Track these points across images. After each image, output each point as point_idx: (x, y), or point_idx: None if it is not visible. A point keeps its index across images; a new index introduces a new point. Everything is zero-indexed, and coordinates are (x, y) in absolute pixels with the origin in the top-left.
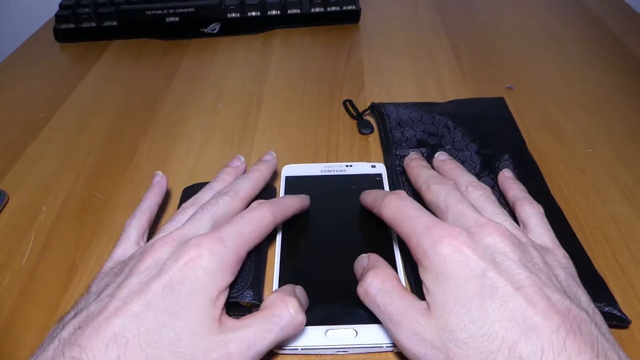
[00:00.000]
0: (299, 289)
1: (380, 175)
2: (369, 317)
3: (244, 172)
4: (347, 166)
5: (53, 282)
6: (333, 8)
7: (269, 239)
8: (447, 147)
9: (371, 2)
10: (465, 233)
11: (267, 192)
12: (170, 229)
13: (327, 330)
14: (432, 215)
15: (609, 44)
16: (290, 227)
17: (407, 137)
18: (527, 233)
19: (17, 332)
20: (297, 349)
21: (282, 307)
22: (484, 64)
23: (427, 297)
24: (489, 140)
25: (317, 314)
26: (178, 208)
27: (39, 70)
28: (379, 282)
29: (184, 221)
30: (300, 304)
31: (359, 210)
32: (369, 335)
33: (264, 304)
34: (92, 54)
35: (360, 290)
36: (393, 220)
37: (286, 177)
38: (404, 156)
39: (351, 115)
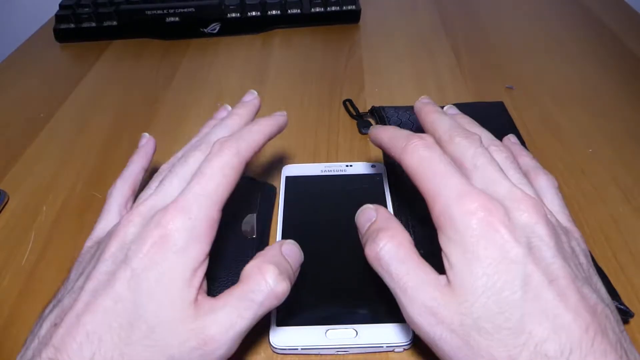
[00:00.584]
0: (287, 247)
1: (380, 175)
2: (369, 317)
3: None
4: (347, 166)
5: (53, 282)
6: (333, 8)
7: (269, 238)
8: None
9: (371, 2)
10: (503, 210)
11: (266, 191)
12: (141, 199)
13: (327, 330)
14: (464, 176)
15: (609, 44)
16: (291, 226)
17: None
18: None
19: (17, 332)
20: (297, 349)
21: (259, 279)
22: (484, 64)
23: (448, 272)
24: None
25: (317, 314)
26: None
27: (39, 70)
28: (393, 247)
29: (154, 188)
30: (283, 270)
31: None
32: (369, 335)
33: (241, 276)
34: (92, 54)
35: (371, 252)
36: (416, 173)
37: (286, 177)
38: None
39: (351, 115)
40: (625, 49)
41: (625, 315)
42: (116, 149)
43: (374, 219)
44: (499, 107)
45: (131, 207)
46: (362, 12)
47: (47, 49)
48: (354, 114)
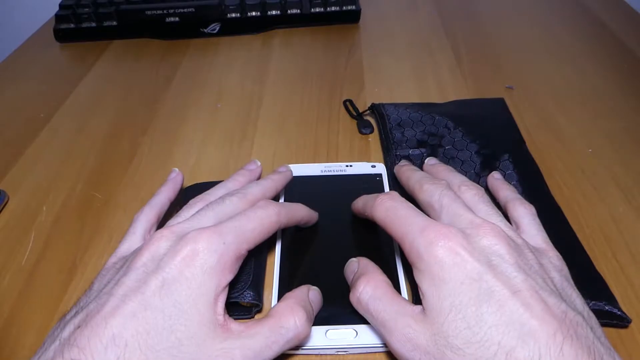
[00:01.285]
0: (313, 293)
1: (380, 175)
2: None
3: (259, 176)
4: (347, 166)
5: (53, 282)
6: (333, 8)
7: (270, 239)
8: (447, 147)
9: (371, 2)
10: (461, 234)
11: None
12: (172, 223)
13: (327, 330)
14: (425, 215)
15: (609, 44)
16: (291, 228)
17: (407, 137)
18: (521, 234)
19: (17, 332)
20: (297, 349)
21: (290, 318)
22: (484, 64)
23: (422, 301)
24: (488, 140)
25: (317, 314)
26: (178, 207)
27: (39, 70)
28: (370, 289)
29: (188, 217)
30: (309, 315)
31: None
32: (369, 335)
33: (272, 311)
34: (92, 54)
35: (353, 298)
36: (385, 221)
37: None
38: (404, 156)
39: (351, 115)
40: (625, 49)
41: (622, 321)
42: (116, 149)
43: (356, 269)
44: (500, 103)
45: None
46: (362, 12)
47: (47, 49)
48: (354, 114)
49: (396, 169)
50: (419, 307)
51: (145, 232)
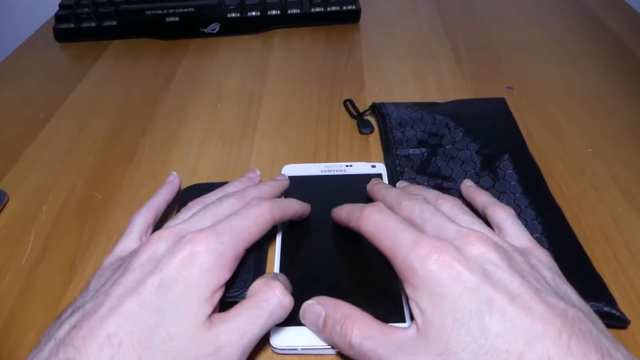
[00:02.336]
0: (281, 276)
1: (380, 175)
2: None
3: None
4: (347, 166)
5: (53, 282)
6: (333, 8)
7: (269, 238)
8: (447, 147)
9: (371, 2)
10: (453, 247)
11: None
12: (170, 225)
13: None
14: (415, 229)
15: (609, 44)
16: (291, 227)
17: (408, 136)
18: (505, 237)
19: (17, 332)
20: (297, 349)
21: (268, 291)
22: (484, 64)
23: (419, 319)
24: (489, 140)
25: None
26: (177, 208)
27: (39, 70)
28: (358, 330)
29: (186, 218)
30: (286, 287)
31: None
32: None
33: (249, 292)
34: (92, 53)
35: (344, 346)
36: (373, 235)
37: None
38: (405, 156)
39: (352, 115)
40: (625, 49)
41: (621, 322)
42: (116, 149)
43: (323, 313)
44: (501, 103)
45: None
46: (362, 12)
47: (47, 49)
48: (355, 113)
49: (369, 187)
50: (412, 328)
51: (142, 232)
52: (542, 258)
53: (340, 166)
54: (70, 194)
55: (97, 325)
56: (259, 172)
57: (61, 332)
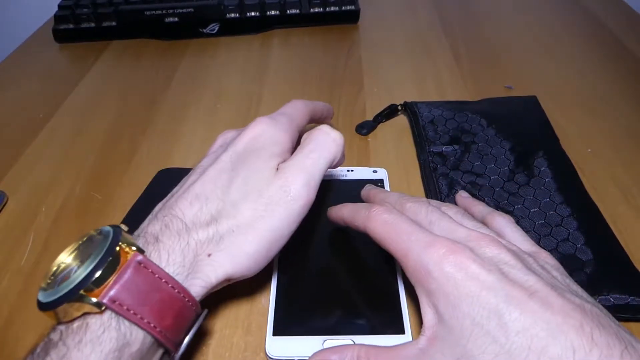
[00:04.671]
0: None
1: (381, 180)
2: (367, 328)
3: None
4: (348, 171)
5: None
6: (332, 8)
7: None
8: (480, 144)
9: (370, 2)
10: (468, 248)
11: None
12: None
13: (324, 341)
14: (427, 229)
15: (609, 44)
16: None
17: (440, 134)
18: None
19: (17, 332)
20: (293, 359)
21: (315, 131)
22: (483, 64)
23: (433, 327)
24: (522, 137)
25: (314, 324)
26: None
27: (39, 70)
28: None
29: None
30: (331, 126)
31: None
32: (368, 344)
33: (302, 141)
34: (91, 54)
35: None
36: (383, 236)
37: None
38: (437, 153)
39: (376, 116)
40: (625, 49)
41: None
42: (116, 149)
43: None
44: (532, 101)
45: None
46: (361, 12)
47: (47, 49)
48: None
49: (364, 192)
50: (422, 340)
51: None
52: (548, 260)
53: (341, 171)
54: (69, 194)
55: (185, 191)
56: None
57: (156, 208)
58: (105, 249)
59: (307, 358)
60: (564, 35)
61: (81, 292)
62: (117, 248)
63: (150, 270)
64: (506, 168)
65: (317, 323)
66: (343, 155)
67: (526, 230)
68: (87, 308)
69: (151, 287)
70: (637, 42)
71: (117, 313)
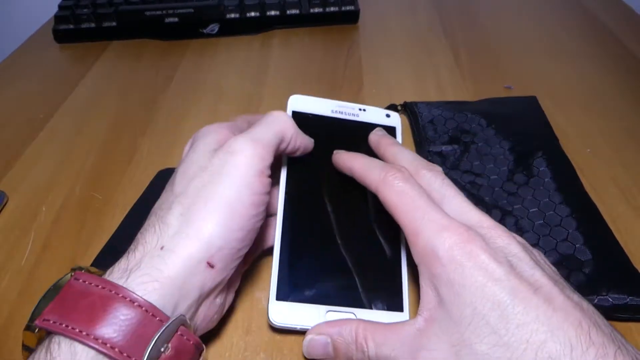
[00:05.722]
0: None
1: (394, 128)
2: (369, 302)
3: None
4: (360, 110)
5: (52, 283)
6: (332, 8)
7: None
8: (480, 144)
9: (370, 2)
10: (481, 237)
11: None
12: None
13: (327, 312)
14: (442, 210)
15: (609, 44)
16: (296, 187)
17: (440, 134)
18: None
19: (17, 332)
20: (295, 328)
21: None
22: (483, 64)
23: (431, 309)
24: (521, 137)
25: (318, 292)
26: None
27: (39, 70)
28: (371, 342)
29: None
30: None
31: None
32: (367, 319)
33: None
34: (91, 54)
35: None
36: (396, 206)
37: (293, 111)
38: (437, 152)
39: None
40: (625, 49)
41: None
42: (116, 149)
43: (328, 340)
44: (532, 101)
45: None
46: (361, 12)
47: (47, 49)
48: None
49: (373, 138)
50: (419, 320)
51: None
52: (543, 256)
53: (354, 108)
54: (69, 194)
55: (166, 196)
56: None
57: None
58: (51, 285)
59: (309, 328)
60: (563, 36)
61: (29, 323)
62: (64, 278)
63: (81, 280)
64: (505, 168)
65: (321, 291)
66: (301, 135)
67: (525, 230)
68: (32, 336)
69: (80, 295)
70: (637, 42)
71: (45, 329)
